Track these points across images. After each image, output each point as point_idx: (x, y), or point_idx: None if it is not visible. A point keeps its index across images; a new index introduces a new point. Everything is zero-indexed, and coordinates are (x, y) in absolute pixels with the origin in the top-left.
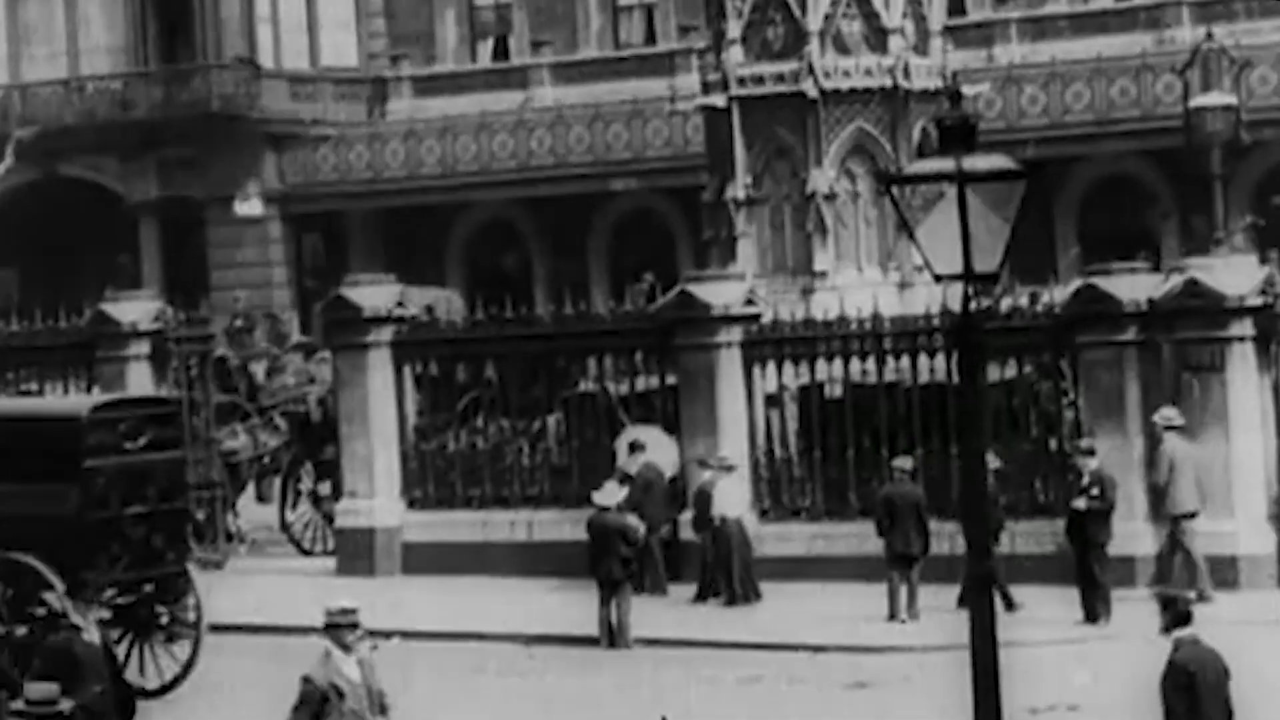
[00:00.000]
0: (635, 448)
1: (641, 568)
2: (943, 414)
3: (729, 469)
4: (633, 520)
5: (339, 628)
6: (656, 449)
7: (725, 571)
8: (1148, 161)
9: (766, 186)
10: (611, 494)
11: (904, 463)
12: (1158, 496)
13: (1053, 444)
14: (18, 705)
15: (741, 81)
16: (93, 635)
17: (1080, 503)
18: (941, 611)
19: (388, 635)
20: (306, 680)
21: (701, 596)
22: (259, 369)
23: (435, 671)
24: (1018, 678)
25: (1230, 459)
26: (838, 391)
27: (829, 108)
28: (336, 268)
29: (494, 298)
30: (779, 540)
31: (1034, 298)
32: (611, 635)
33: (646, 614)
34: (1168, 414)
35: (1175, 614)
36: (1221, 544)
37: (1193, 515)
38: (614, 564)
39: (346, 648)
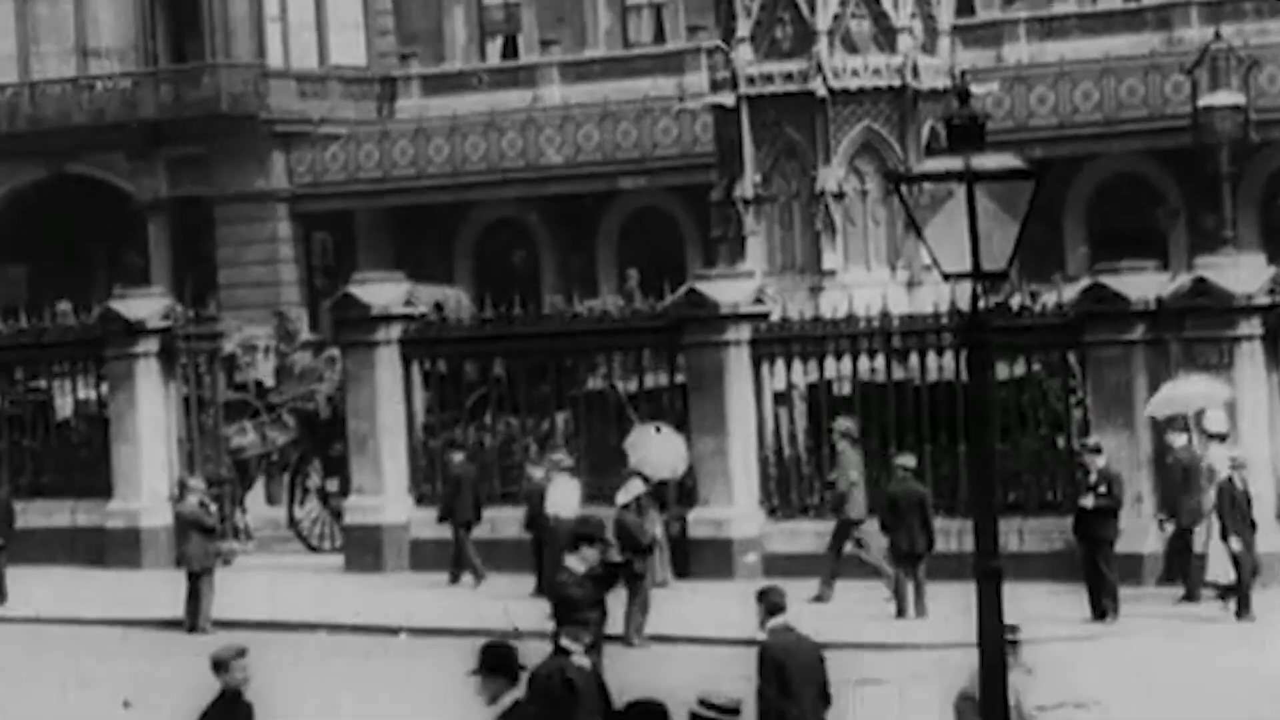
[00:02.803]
0: (455, 445)
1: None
2: (951, 412)
3: (565, 469)
4: (633, 519)
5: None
6: (666, 450)
7: (555, 568)
8: (1156, 161)
9: (775, 185)
10: (630, 492)
11: (907, 460)
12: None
13: (1060, 442)
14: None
15: (750, 80)
16: (584, 660)
17: (1088, 500)
18: (951, 609)
19: (394, 631)
20: (962, 698)
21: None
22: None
23: (441, 667)
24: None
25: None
26: (846, 389)
27: (838, 107)
28: (345, 266)
29: (502, 296)
30: (787, 537)
31: (1034, 296)
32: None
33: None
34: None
35: (769, 606)
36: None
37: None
38: (633, 561)
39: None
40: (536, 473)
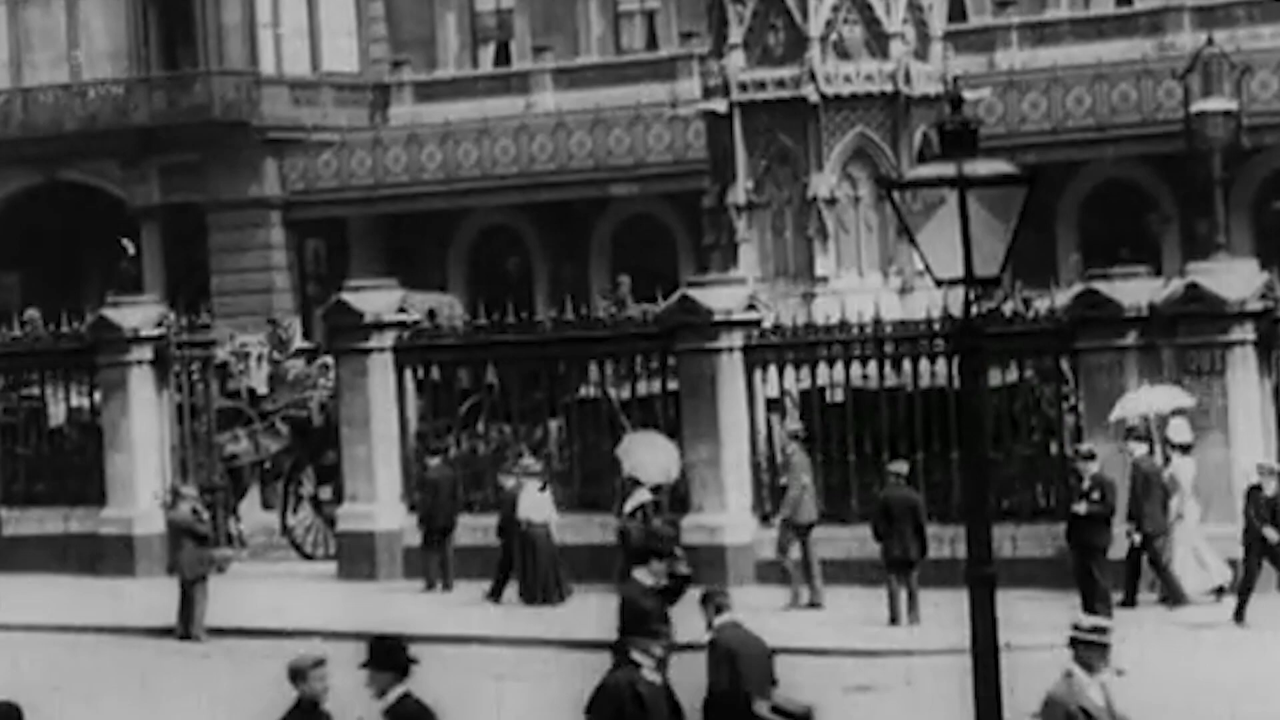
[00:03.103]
0: (431, 451)
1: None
2: (944, 418)
3: (534, 475)
4: (638, 527)
5: (1089, 645)
6: (658, 454)
7: (523, 574)
8: (1149, 167)
9: (768, 191)
10: (636, 500)
11: (900, 467)
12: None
13: (1053, 448)
14: None
15: (743, 87)
16: (654, 675)
17: (1081, 507)
18: (944, 616)
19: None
20: (1049, 703)
21: (493, 596)
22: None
23: (447, 676)
24: (1019, 681)
25: (1231, 463)
26: (839, 396)
27: (830, 113)
28: (338, 273)
29: (495, 303)
30: None
31: (1026, 302)
32: None
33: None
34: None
35: (716, 605)
36: (1222, 548)
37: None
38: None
39: (1091, 668)
40: (508, 480)
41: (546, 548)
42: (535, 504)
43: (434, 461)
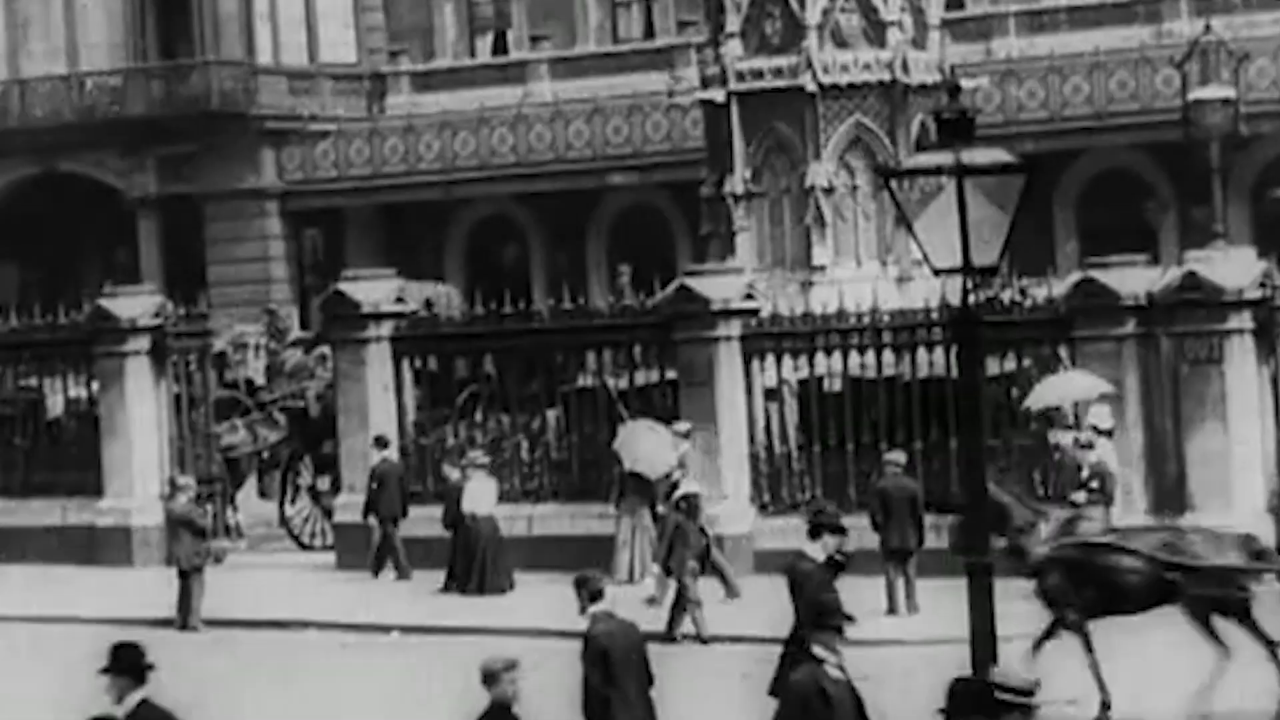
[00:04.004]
0: (380, 443)
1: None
2: (942, 408)
3: (480, 467)
4: (683, 519)
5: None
6: (656, 444)
7: (467, 565)
8: (1146, 155)
9: (765, 181)
10: (684, 489)
11: (897, 456)
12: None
13: (1051, 437)
14: None
15: (740, 76)
16: (838, 671)
17: (1079, 496)
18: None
19: (386, 630)
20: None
21: (447, 588)
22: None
23: (440, 667)
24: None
25: (1229, 452)
26: (837, 385)
27: (827, 102)
28: (335, 263)
29: (493, 292)
30: (778, 534)
31: (1024, 291)
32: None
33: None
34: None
35: (589, 593)
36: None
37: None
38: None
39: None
40: (453, 472)
41: (492, 539)
42: (480, 496)
43: (379, 454)
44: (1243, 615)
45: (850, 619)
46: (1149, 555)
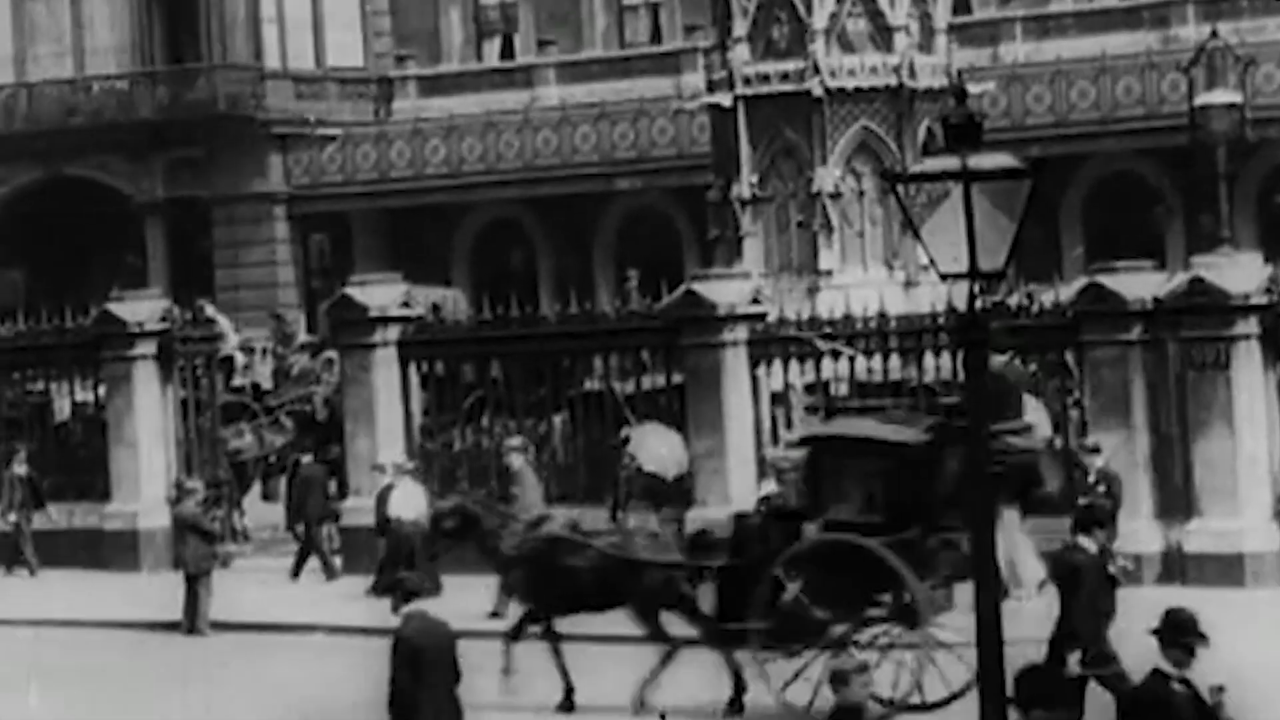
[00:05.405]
0: (302, 448)
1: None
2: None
3: (407, 472)
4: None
5: None
6: (664, 447)
7: (394, 569)
8: (1153, 160)
9: (772, 185)
10: (763, 490)
11: None
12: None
13: (1058, 442)
14: None
15: (747, 80)
16: (1181, 685)
17: (1086, 500)
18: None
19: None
20: None
21: (375, 590)
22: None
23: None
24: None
25: (1236, 457)
26: (843, 390)
27: (834, 106)
28: (342, 267)
29: (499, 297)
30: None
31: (1030, 297)
32: None
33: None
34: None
35: (403, 593)
36: (1227, 542)
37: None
38: None
39: None
40: (383, 477)
41: (418, 544)
42: (406, 501)
43: (305, 459)
44: (689, 612)
45: (1204, 638)
46: (599, 552)
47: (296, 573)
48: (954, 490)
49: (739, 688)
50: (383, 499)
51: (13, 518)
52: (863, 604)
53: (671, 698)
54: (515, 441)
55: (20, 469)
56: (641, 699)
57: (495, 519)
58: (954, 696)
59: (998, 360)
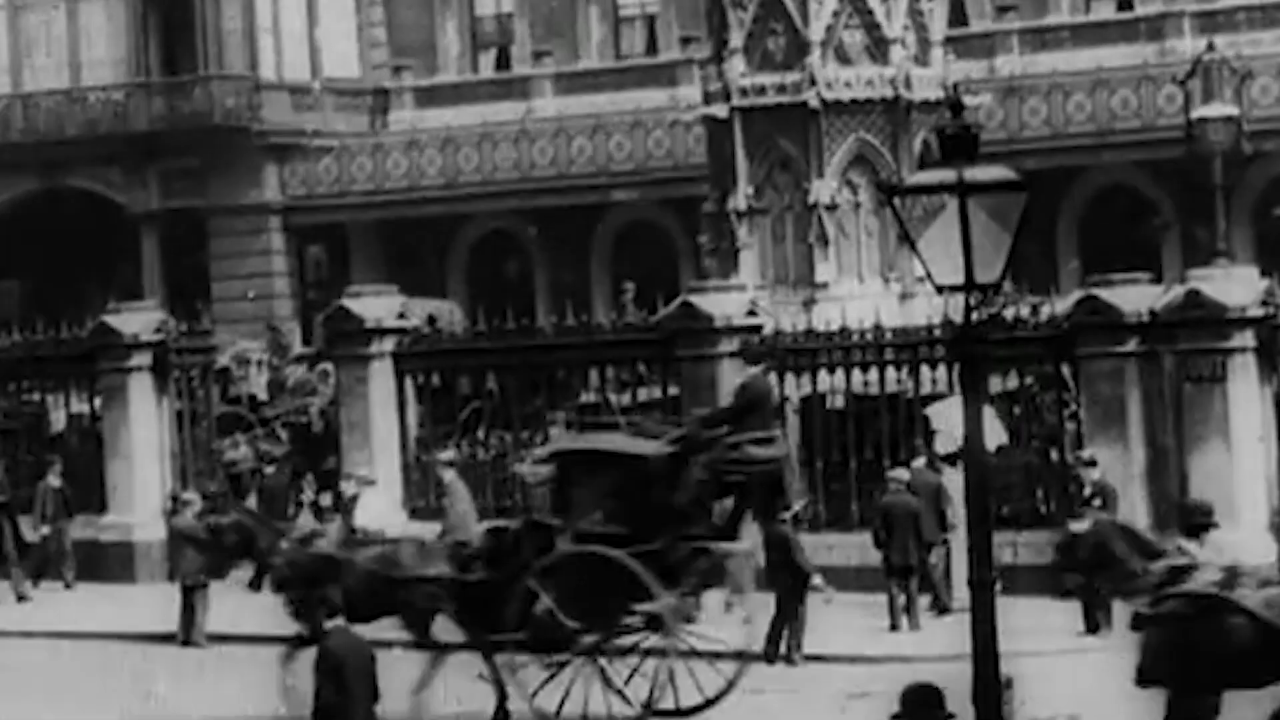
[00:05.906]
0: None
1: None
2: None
3: (370, 483)
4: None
5: None
6: None
7: None
8: (1149, 172)
9: (768, 197)
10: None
11: (900, 474)
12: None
13: (1054, 455)
14: None
15: (743, 92)
16: None
17: (1083, 512)
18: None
19: (389, 645)
20: None
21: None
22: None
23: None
24: (1019, 688)
25: (1232, 470)
26: (839, 402)
27: (830, 118)
28: (338, 279)
29: (495, 308)
30: None
31: (1035, 309)
32: (777, 648)
33: None
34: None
35: (326, 610)
36: (1223, 554)
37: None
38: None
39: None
40: (348, 488)
41: None
42: (371, 512)
43: (269, 469)
44: (457, 620)
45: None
46: (364, 569)
47: (255, 585)
48: (698, 499)
49: (502, 695)
50: (348, 510)
51: (46, 530)
52: (614, 613)
53: (445, 706)
54: (446, 455)
55: (55, 481)
56: (417, 706)
57: (270, 536)
58: (709, 702)
59: (749, 371)
